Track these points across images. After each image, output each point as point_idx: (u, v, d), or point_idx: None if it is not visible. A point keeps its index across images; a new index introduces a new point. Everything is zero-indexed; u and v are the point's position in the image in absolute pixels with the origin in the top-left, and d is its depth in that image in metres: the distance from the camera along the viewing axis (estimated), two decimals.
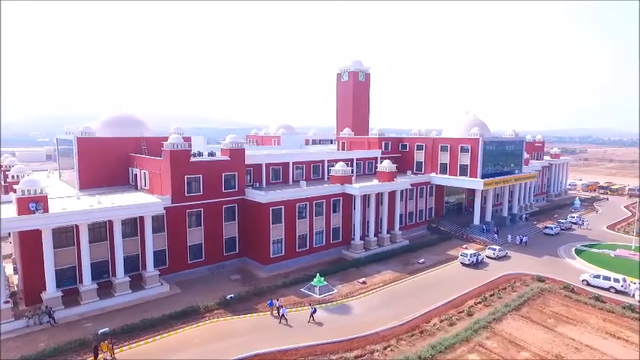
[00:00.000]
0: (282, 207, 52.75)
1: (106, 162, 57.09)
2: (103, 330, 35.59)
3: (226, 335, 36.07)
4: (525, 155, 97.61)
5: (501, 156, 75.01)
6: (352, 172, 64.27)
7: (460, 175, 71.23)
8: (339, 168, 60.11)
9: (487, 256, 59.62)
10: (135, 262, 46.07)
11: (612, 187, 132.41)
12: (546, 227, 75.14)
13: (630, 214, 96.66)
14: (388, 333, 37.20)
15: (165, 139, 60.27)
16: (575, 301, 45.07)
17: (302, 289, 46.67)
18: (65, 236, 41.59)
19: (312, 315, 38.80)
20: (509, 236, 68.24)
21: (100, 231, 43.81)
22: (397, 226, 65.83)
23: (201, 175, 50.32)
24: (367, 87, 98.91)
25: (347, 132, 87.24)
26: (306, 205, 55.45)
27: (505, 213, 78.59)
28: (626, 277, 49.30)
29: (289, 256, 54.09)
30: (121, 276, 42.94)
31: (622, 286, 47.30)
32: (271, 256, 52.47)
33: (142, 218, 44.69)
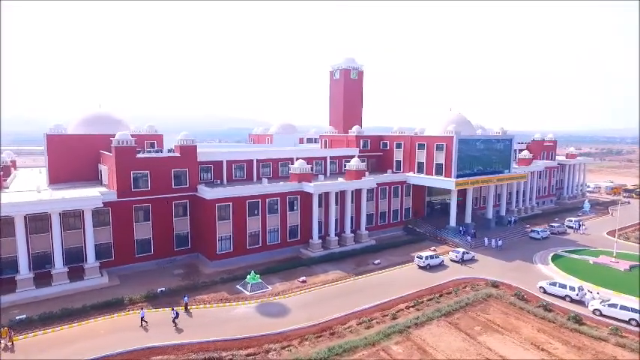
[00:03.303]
0: (230, 204, 52.87)
1: (75, 158, 59.60)
2: (20, 317, 37.20)
3: (133, 328, 36.53)
4: (527, 155, 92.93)
5: (486, 155, 71.25)
6: (312, 169, 63.57)
7: (436, 174, 68.39)
8: (298, 166, 59.48)
9: (451, 259, 56.87)
10: (79, 253, 47.72)
11: (638, 190, 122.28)
12: (532, 231, 70.57)
13: None
14: (294, 333, 36.32)
15: (141, 137, 62.64)
16: (519, 308, 42.02)
17: (237, 286, 46.58)
18: (7, 227, 43.77)
19: (174, 320, 36.86)
20: (486, 239, 64.72)
21: (44, 223, 45.76)
22: (363, 225, 64.22)
23: (148, 171, 51.43)
24: (360, 85, 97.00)
25: (329, 130, 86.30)
26: (258, 202, 55.26)
27: (490, 215, 74.58)
28: (583, 285, 45.54)
29: (238, 253, 54.09)
30: (59, 266, 44.74)
31: (577, 294, 43.60)
32: (218, 252, 52.71)
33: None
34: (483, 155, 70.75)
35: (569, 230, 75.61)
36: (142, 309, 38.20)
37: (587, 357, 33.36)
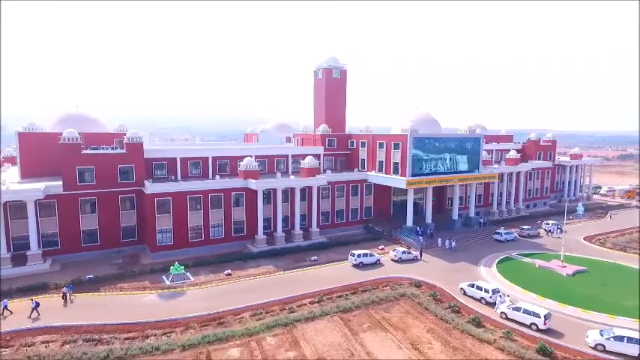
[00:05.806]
0: (170, 198, 55.27)
1: (47, 155, 63.87)
2: None
3: (47, 309, 39.13)
4: (515, 155, 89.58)
5: (452, 154, 69.54)
6: (260, 167, 64.71)
7: (394, 173, 67.65)
8: (245, 163, 61.01)
9: (391, 259, 56.36)
10: (26, 241, 51.56)
11: None
12: (496, 233, 68.09)
13: None
14: (184, 321, 37.80)
15: (111, 135, 66.80)
16: (423, 308, 41.30)
17: (162, 276, 48.78)
18: None
19: (34, 310, 37.60)
20: (439, 240, 63.34)
21: None
22: (314, 223, 64.74)
23: (94, 167, 54.83)
24: (343, 84, 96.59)
25: (303, 129, 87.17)
26: (200, 197, 57.33)
27: (455, 215, 72.59)
28: (499, 288, 44.05)
29: (179, 246, 56.31)
30: (3, 252, 48.83)
31: (491, 297, 42.33)
32: (158, 244, 55.24)
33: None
34: (449, 155, 69.10)
35: (543, 233, 72.28)
36: (5, 299, 39.86)
37: (458, 357, 32.57)
